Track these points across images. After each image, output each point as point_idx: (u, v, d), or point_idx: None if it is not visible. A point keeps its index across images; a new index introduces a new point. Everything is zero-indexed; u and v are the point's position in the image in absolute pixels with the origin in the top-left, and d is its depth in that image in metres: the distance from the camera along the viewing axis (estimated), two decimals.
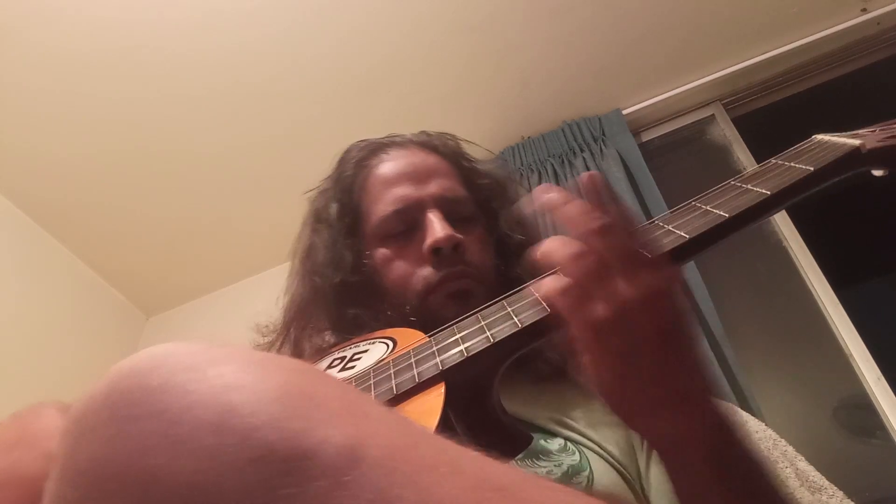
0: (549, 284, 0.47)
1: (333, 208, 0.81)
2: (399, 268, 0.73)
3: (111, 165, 2.06)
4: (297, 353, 0.78)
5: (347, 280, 0.75)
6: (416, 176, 0.78)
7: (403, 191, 0.76)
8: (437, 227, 0.71)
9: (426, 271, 0.71)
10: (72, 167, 2.05)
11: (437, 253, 0.71)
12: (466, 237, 0.73)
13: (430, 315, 0.68)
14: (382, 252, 0.75)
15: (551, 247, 0.47)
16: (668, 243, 0.50)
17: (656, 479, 0.63)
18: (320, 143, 2.03)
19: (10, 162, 2.01)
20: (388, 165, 0.80)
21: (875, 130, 0.55)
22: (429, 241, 0.71)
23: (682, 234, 0.51)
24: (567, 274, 0.46)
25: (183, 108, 1.97)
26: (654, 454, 0.65)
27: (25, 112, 1.92)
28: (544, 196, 0.48)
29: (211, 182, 2.16)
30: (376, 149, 0.84)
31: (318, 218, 0.83)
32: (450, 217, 0.74)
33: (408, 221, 0.75)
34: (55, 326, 2.11)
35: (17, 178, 2.05)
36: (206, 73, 1.91)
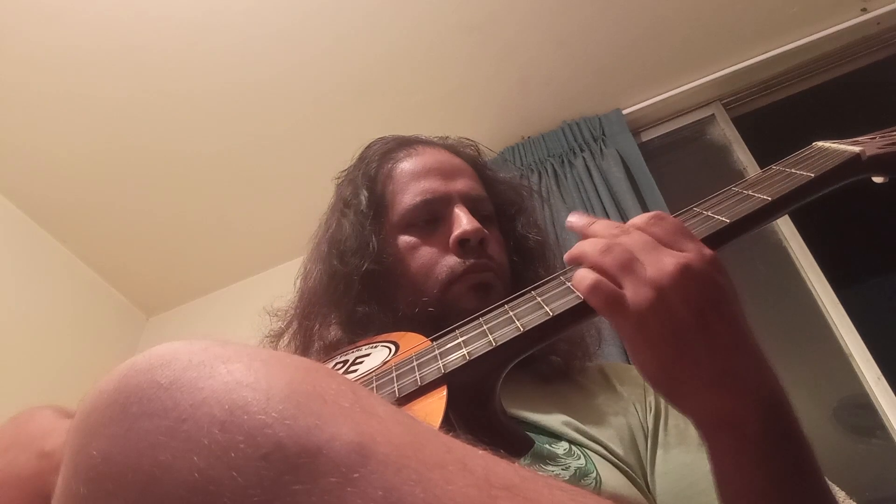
0: (582, 274, 0.48)
1: (362, 195, 0.82)
2: (424, 255, 0.74)
3: (111, 165, 2.06)
4: (306, 343, 0.79)
5: (368, 268, 0.75)
6: (444, 172, 0.80)
7: (431, 184, 0.78)
8: (464, 220, 0.73)
9: (451, 260, 0.72)
10: (72, 167, 2.05)
11: (464, 245, 0.73)
12: (490, 234, 0.76)
13: (449, 306, 0.70)
14: (406, 239, 0.76)
15: (580, 247, 0.50)
16: None
17: (661, 476, 0.63)
18: (320, 143, 2.05)
19: (10, 162, 2.01)
20: (417, 159, 0.82)
21: (875, 137, 0.56)
22: (457, 231, 0.73)
23: None
24: (598, 266, 0.47)
25: (183, 108, 1.97)
26: (658, 448, 0.66)
27: (25, 112, 1.92)
28: (572, 220, 0.53)
29: (211, 182, 2.16)
30: (403, 143, 0.86)
31: (345, 203, 0.85)
32: (473, 214, 0.76)
33: (434, 213, 0.76)
34: (55, 326, 2.11)
35: (17, 178, 2.05)
36: (206, 73, 1.91)
